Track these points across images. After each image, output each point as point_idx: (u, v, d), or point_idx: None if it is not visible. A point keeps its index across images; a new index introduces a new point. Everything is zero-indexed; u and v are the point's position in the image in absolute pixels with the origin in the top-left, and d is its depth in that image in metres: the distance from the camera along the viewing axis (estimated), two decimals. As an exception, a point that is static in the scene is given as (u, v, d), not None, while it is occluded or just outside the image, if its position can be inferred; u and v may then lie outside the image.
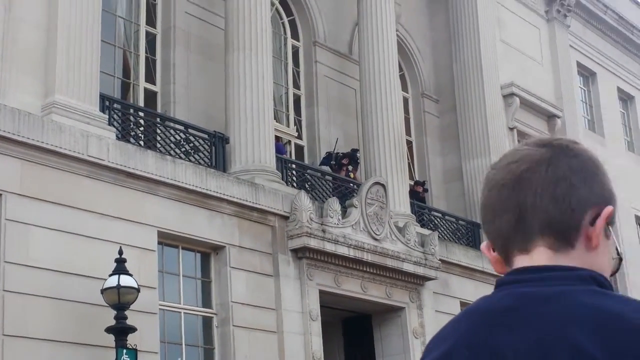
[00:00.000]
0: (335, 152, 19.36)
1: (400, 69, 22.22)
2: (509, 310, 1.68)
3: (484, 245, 1.85)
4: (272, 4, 19.15)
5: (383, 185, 17.69)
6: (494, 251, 1.82)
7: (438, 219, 20.79)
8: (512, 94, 24.48)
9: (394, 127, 19.16)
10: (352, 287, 16.84)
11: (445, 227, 20.81)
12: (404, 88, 23.01)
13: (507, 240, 1.77)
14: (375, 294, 17.35)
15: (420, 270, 18.05)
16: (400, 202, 18.80)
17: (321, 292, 16.14)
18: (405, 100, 22.93)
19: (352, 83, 20.85)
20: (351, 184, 18.78)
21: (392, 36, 19.92)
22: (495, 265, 1.83)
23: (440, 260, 18.59)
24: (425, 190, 21.67)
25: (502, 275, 1.80)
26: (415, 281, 18.16)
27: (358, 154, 19.34)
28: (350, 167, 19.12)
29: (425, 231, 19.26)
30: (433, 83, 23.94)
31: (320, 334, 15.87)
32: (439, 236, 19.23)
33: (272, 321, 15.07)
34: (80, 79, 13.37)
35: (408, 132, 22.65)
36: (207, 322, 14.64)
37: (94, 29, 13.74)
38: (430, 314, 18.37)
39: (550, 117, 26.22)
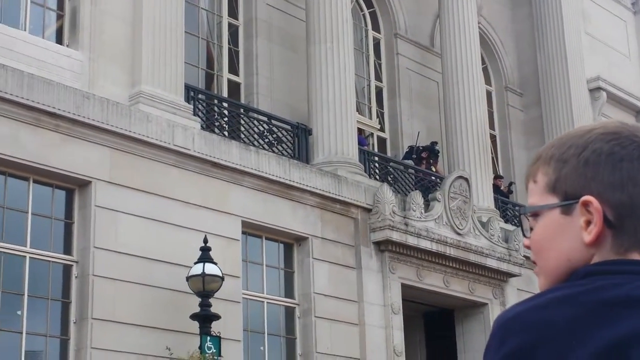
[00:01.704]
0: (416, 145, 19.45)
1: (483, 62, 22.19)
2: None
3: (596, 202, 1.69)
4: (353, -4, 19.35)
5: (466, 179, 17.72)
6: (608, 227, 1.67)
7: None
8: (599, 88, 24.22)
9: (477, 121, 19.16)
10: (434, 281, 16.91)
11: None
12: (487, 81, 22.96)
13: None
14: (457, 289, 17.39)
15: (503, 267, 18.03)
16: (483, 197, 18.80)
17: (403, 286, 16.25)
18: (489, 94, 22.88)
19: (434, 76, 20.90)
20: (433, 178, 18.84)
21: (474, 28, 19.93)
22: (598, 240, 1.67)
23: (524, 256, 18.52)
24: (510, 192, 21.57)
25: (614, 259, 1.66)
26: (499, 277, 18.14)
27: (437, 147, 19.38)
28: (430, 160, 19.18)
29: (509, 227, 19.21)
30: (517, 76, 23.83)
31: (402, 327, 15.99)
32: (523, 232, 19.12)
33: (353, 313, 15.24)
34: (165, 69, 13.74)
35: (492, 126, 22.59)
36: (289, 312, 14.90)
37: (178, 21, 14.11)
38: (514, 310, 18.30)
39: (638, 112, 25.86)
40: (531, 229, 1.78)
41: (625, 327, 1.55)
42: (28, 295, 11.70)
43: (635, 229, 1.67)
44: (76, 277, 12.12)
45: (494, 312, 17.98)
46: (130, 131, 12.79)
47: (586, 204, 1.67)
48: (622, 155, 1.69)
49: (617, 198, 1.67)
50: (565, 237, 1.70)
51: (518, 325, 1.61)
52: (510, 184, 21.74)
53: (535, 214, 1.75)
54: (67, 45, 13.26)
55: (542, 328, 1.59)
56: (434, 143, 19.43)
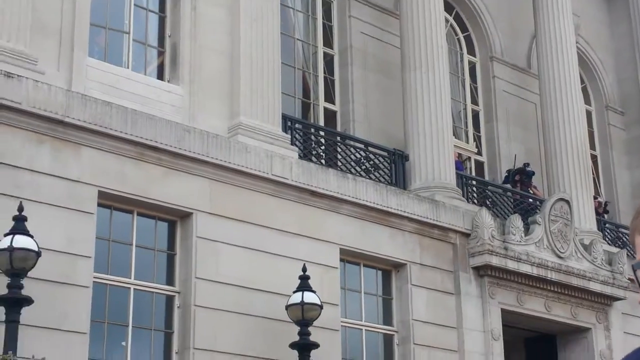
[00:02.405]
0: (513, 169, 19.23)
1: (582, 82, 21.81)
2: None
3: None
4: (447, 21, 19.29)
5: (567, 202, 17.42)
6: None
7: (626, 236, 20.19)
8: None
9: (578, 141, 18.83)
10: (535, 306, 16.64)
11: (629, 236, 20.15)
12: (587, 101, 22.55)
13: None
14: (559, 313, 17.06)
15: (607, 290, 17.62)
16: (585, 219, 18.43)
17: (503, 311, 16.03)
18: (589, 114, 22.46)
19: (531, 97, 20.64)
20: (531, 200, 18.57)
21: (572, 48, 19.63)
22: None
23: (629, 279, 18.05)
24: (607, 212, 21.09)
25: None
26: (603, 301, 17.73)
27: (529, 168, 19.07)
28: (525, 181, 18.87)
29: (613, 249, 18.76)
30: (617, 95, 23.33)
31: (503, 353, 15.76)
32: (627, 254, 18.68)
33: (453, 340, 15.11)
34: (263, 101, 13.96)
35: (592, 146, 22.15)
36: (387, 340, 14.86)
37: (274, 53, 14.32)
38: (619, 335, 17.86)
39: None
40: None
41: None
42: (132, 326, 11.99)
43: None
44: (178, 307, 12.37)
45: (598, 337, 17.58)
46: (229, 162, 13.02)
47: None
48: None
49: None
50: None
51: None
52: (606, 203, 21.22)
53: None
54: (168, 81, 13.61)
55: None
56: (526, 164, 19.15)
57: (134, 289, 12.13)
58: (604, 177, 22.55)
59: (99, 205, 11.76)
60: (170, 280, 12.52)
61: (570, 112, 18.95)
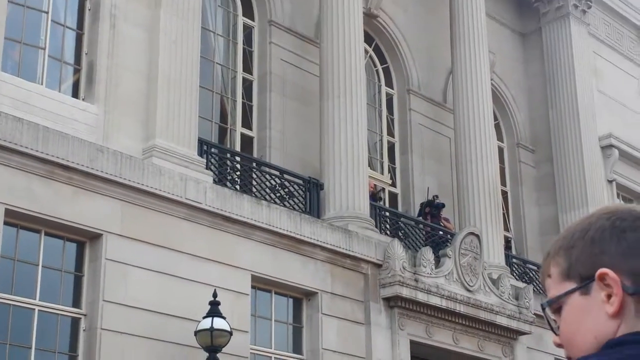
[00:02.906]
0: (425, 201, 19.45)
1: (495, 118, 22.24)
2: None
3: (612, 273, 1.72)
4: (366, 52, 19.48)
5: (477, 236, 17.66)
6: (628, 294, 1.71)
7: (533, 272, 20.59)
8: (611, 146, 24.23)
9: (489, 177, 19.16)
10: (443, 338, 16.78)
11: (540, 281, 20.55)
12: (499, 137, 23.00)
13: None
14: (467, 346, 17.24)
15: (514, 324, 17.89)
16: (494, 253, 18.71)
17: (412, 343, 16.13)
18: (501, 150, 22.91)
19: (446, 131, 20.95)
20: (441, 233, 18.80)
21: (486, 85, 20.02)
22: (621, 309, 1.70)
23: (534, 314, 18.36)
24: (509, 246, 21.51)
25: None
26: (509, 335, 17.99)
27: (438, 200, 19.31)
28: (434, 213, 19.08)
29: (520, 284, 19.09)
30: (529, 132, 23.86)
31: (411, 385, 15.85)
32: (534, 289, 19.03)
33: (362, 370, 15.12)
34: (179, 123, 13.83)
35: (503, 182, 22.57)
36: (297, 369, 14.79)
37: (192, 75, 14.23)
38: (524, 369, 18.14)
39: (650, 170, 25.80)
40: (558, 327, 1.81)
41: None
42: (36, 349, 11.65)
43: None
44: (84, 330, 12.09)
45: (504, 370, 17.80)
46: (142, 184, 12.84)
47: (602, 278, 1.72)
48: (623, 227, 1.76)
49: (630, 265, 1.72)
50: (590, 316, 1.73)
51: None
52: (508, 239, 21.67)
53: (558, 308, 1.79)
54: (83, 99, 13.37)
55: None
56: (435, 197, 19.39)
57: (39, 310, 11.80)
58: (513, 213, 22.97)
59: (6, 223, 11.43)
60: (76, 303, 12.23)
61: (482, 148, 19.29)
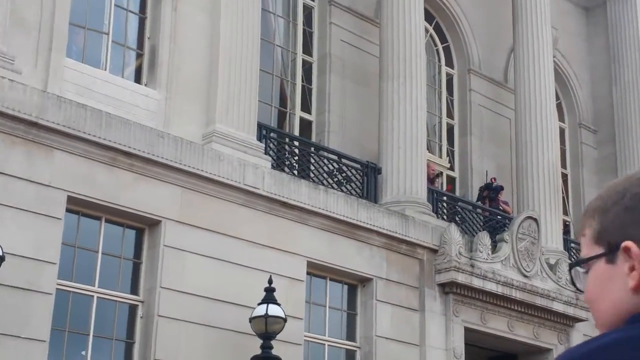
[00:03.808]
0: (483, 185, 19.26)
1: (557, 98, 21.85)
2: None
3: (635, 249, 1.68)
4: (427, 31, 19.24)
5: (535, 220, 17.46)
6: None
7: (591, 257, 20.29)
8: (676, 125, 23.66)
9: (550, 160, 18.89)
10: (498, 325, 16.70)
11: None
12: (561, 117, 22.63)
13: None
14: (522, 333, 17.14)
15: (570, 311, 17.71)
16: (552, 238, 18.50)
17: (466, 330, 16.07)
18: (562, 131, 22.56)
19: (507, 112, 20.67)
20: (500, 217, 18.63)
21: (549, 63, 19.65)
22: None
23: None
24: (567, 230, 21.23)
25: None
26: (565, 322, 17.83)
27: (496, 183, 19.07)
28: (492, 197, 18.87)
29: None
30: (591, 112, 23.43)
31: (464, 371, 15.84)
32: (591, 275, 18.79)
33: (415, 357, 15.13)
34: (239, 108, 13.84)
35: (563, 164, 22.25)
36: (350, 356, 14.83)
37: (253, 59, 14.20)
38: (579, 356, 17.99)
39: None
40: None
41: None
42: (93, 335, 11.86)
43: None
44: (141, 317, 12.27)
45: (558, 357, 17.69)
46: (202, 170, 12.91)
47: (627, 249, 1.68)
48: None
49: None
50: (613, 286, 1.70)
51: None
52: (566, 224, 21.35)
53: (587, 267, 1.78)
54: (146, 84, 13.45)
55: None
56: (493, 179, 19.16)
57: (97, 297, 12.00)
58: (573, 196, 22.65)
59: (67, 210, 11.61)
60: (134, 290, 12.41)
61: (543, 130, 18.99)
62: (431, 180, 17.84)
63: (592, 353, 1.63)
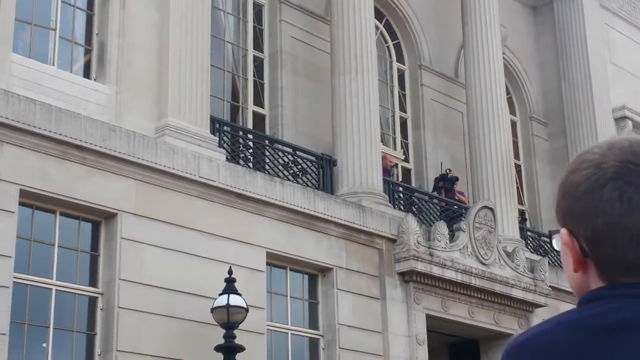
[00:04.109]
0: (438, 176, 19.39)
1: (508, 92, 22.14)
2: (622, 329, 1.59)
3: (566, 234, 1.70)
4: (377, 28, 19.41)
5: (491, 209, 17.62)
6: (583, 252, 1.68)
7: (548, 245, 20.53)
8: (625, 117, 24.08)
9: (502, 151, 19.09)
10: (459, 312, 16.79)
11: (555, 253, 20.51)
12: (512, 111, 22.91)
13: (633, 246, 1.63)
14: (483, 319, 17.25)
15: (529, 297, 17.86)
16: (509, 227, 18.67)
17: (428, 317, 16.15)
18: (513, 124, 22.81)
19: (458, 106, 20.87)
20: (456, 207, 18.76)
21: (498, 59, 19.91)
22: (582, 269, 1.69)
23: (550, 286, 18.35)
24: (524, 219, 21.43)
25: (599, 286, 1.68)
26: (525, 308, 17.98)
27: (451, 174, 19.21)
28: (447, 187, 18.99)
29: (535, 256, 19.06)
30: (541, 106, 23.75)
31: (427, 358, 15.88)
32: (549, 262, 19.00)
33: (378, 344, 15.16)
34: (191, 102, 13.82)
35: (516, 156, 22.50)
36: (313, 344, 14.84)
37: (203, 54, 14.21)
38: (540, 341, 18.13)
39: (665, 141, 25.63)
40: None
41: (623, 352, 1.57)
42: (54, 328, 11.72)
43: (610, 259, 1.66)
44: (102, 309, 12.15)
45: (520, 342, 17.81)
46: (156, 163, 12.86)
47: (564, 234, 1.71)
48: (586, 187, 1.67)
49: (582, 231, 1.68)
50: (567, 262, 1.73)
51: (525, 352, 1.64)
52: (522, 212, 21.56)
53: None
54: (95, 79, 13.38)
55: (546, 353, 1.61)
56: (448, 170, 19.30)
57: (56, 289, 11.87)
58: (527, 186, 22.90)
59: (20, 204, 11.48)
60: (93, 282, 12.29)
61: (495, 122, 19.21)
62: (388, 172, 17.93)
63: (536, 336, 1.65)
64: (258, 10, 17.99)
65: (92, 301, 12.22)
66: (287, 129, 17.08)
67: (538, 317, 18.29)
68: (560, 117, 23.28)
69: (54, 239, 12.00)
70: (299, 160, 15.79)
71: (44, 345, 11.62)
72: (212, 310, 12.35)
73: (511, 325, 17.77)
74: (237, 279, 12.68)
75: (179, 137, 13.40)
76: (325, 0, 18.34)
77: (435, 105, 20.67)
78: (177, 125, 13.50)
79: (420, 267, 15.88)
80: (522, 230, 19.75)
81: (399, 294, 15.80)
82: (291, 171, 15.53)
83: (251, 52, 17.52)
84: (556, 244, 1.77)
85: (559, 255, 20.33)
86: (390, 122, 20.19)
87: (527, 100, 23.54)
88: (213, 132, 14.35)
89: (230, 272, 12.62)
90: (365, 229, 15.47)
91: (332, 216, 15.01)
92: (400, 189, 17.99)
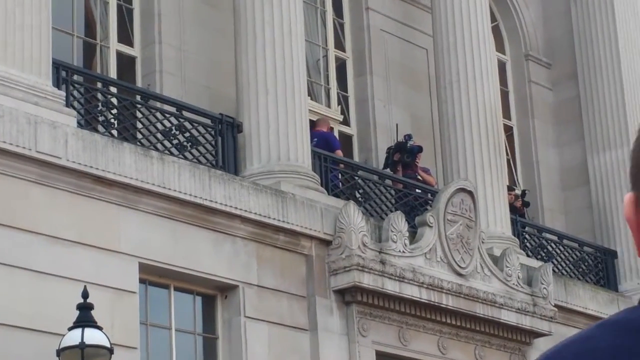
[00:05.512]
0: (393, 145, 19.54)
1: (493, 19, 22.35)
2: None
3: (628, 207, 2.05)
4: None
5: (470, 193, 17.83)
6: None
7: (553, 245, 20.88)
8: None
9: (485, 106, 19.34)
10: (425, 346, 17.03)
11: (563, 257, 20.89)
12: (499, 47, 23.15)
13: None
14: (459, 356, 17.51)
15: (526, 322, 18.18)
16: (496, 219, 18.94)
17: (379, 354, 16.35)
18: (502, 66, 23.08)
19: (422, 40, 21.06)
20: (419, 191, 18.95)
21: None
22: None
23: (556, 306, 18.69)
24: (526, 204, 21.72)
25: None
26: (519, 338, 18.30)
27: (412, 142, 19.34)
28: (408, 162, 19.16)
29: (534, 262, 19.36)
30: (542, 39, 24.06)
31: (379, 416, 16.13)
32: (554, 270, 19.33)
33: (307, 397, 15.36)
34: (23, 39, 13.69)
35: (507, 114, 22.77)
36: (211, 399, 14.98)
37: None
38: (542, 386, 18.48)
39: None
40: None
41: None
42: None
43: None
44: None
45: (513, 389, 18.15)
46: (-32, 133, 12.77)
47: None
48: None
49: None
50: (635, 227, 2.06)
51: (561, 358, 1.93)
52: (524, 193, 21.75)
53: None
54: None
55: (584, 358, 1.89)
56: (407, 137, 19.39)
57: None
58: (522, 158, 23.22)
59: None
60: None
61: (475, 63, 19.40)
62: (326, 141, 18.08)
63: (575, 342, 1.96)
64: None
65: None
66: (168, 78, 17.13)
67: (538, 351, 18.62)
68: (569, 56, 23.61)
69: None
70: (187, 124, 15.79)
71: None
72: (60, 352, 12.38)
73: (500, 364, 18.09)
74: (96, 304, 12.71)
75: (7, 93, 13.30)
76: None
77: (388, 38, 20.82)
78: (1, 75, 13.36)
79: (367, 281, 16.04)
80: (516, 223, 20.03)
81: (337, 321, 15.94)
82: (175, 141, 15.52)
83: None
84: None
85: (567, 261, 20.75)
86: (321, 65, 20.26)
87: (521, 31, 23.84)
88: (58, 84, 14.26)
89: (85, 295, 12.63)
90: (286, 225, 15.57)
91: (236, 207, 15.07)
92: (340, 165, 18.11)
